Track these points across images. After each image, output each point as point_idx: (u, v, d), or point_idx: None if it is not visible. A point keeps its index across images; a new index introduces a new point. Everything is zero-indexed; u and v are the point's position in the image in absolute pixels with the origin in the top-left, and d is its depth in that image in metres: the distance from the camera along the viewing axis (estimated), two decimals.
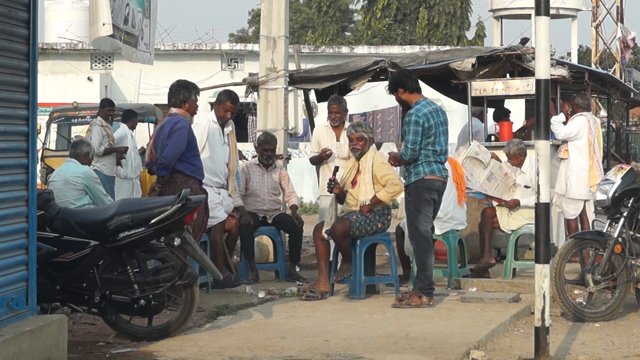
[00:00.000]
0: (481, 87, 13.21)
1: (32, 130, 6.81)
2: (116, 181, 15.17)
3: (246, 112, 11.24)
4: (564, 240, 11.66)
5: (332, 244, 10.08)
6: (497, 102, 15.62)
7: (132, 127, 15.63)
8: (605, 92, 17.32)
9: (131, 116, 15.76)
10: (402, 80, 9.64)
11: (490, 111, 15.40)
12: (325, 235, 9.99)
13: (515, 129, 14.68)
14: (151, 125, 19.57)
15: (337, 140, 11.36)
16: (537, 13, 7.14)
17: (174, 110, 9.19)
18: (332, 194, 10.09)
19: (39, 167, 17.65)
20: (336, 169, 10.19)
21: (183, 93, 9.17)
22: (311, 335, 7.93)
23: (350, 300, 9.80)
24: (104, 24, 7.86)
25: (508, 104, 15.78)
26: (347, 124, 11.19)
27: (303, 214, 22.50)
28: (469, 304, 9.56)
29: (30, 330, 6.36)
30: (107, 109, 15.30)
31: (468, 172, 11.51)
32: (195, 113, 9.51)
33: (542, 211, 7.11)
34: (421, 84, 14.91)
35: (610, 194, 9.22)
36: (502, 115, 14.98)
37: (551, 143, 10.03)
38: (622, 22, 33.92)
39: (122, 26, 8.42)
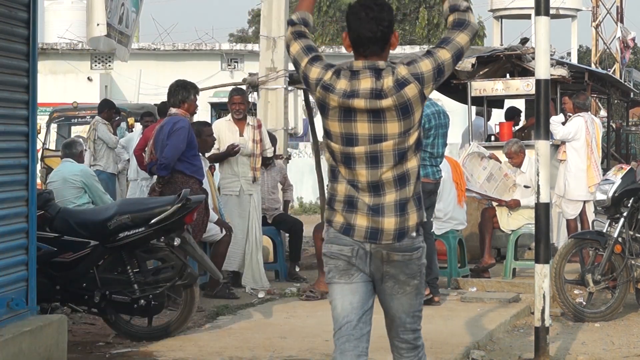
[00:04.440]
0: (481, 87, 13.22)
1: (32, 130, 6.81)
2: (122, 182, 15.21)
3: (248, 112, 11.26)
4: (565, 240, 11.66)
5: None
6: (500, 102, 15.64)
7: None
8: (605, 92, 17.34)
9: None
10: None
11: (492, 111, 15.43)
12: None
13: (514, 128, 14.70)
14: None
15: (241, 135, 10.64)
16: (537, 13, 7.14)
17: (173, 110, 9.18)
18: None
19: (38, 167, 17.66)
20: None
21: (182, 93, 9.16)
22: (311, 335, 7.93)
23: None
24: (98, 24, 7.87)
25: (508, 104, 15.80)
26: (250, 118, 10.75)
27: (303, 214, 22.50)
28: (469, 304, 9.56)
29: (30, 330, 6.36)
30: (111, 111, 15.30)
31: (468, 172, 11.51)
32: (195, 113, 9.49)
33: (542, 211, 7.11)
34: None
35: (610, 194, 9.22)
36: (514, 115, 15.00)
37: (551, 143, 10.04)
38: (622, 22, 33.94)
39: (117, 26, 8.42)
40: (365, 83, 4.48)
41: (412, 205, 4.53)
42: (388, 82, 4.47)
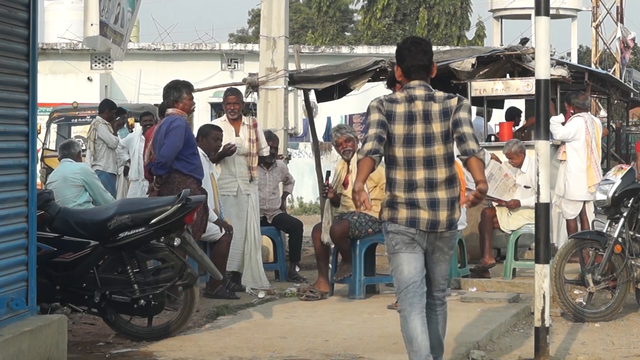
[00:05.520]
0: (481, 87, 13.20)
1: (32, 130, 6.81)
2: (123, 183, 15.20)
3: (246, 112, 11.20)
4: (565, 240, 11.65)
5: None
6: (500, 103, 15.62)
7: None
8: (605, 92, 17.33)
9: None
10: (399, 82, 9.49)
11: (493, 111, 15.40)
12: (325, 240, 9.95)
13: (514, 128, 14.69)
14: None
15: (237, 135, 10.59)
16: (537, 13, 7.14)
17: (169, 110, 9.22)
18: (327, 199, 10.05)
19: (38, 167, 17.66)
20: (328, 173, 10.12)
21: (173, 94, 9.19)
22: (311, 335, 7.94)
23: (350, 300, 9.80)
24: (91, 24, 7.90)
25: (508, 104, 15.79)
26: (245, 118, 10.71)
27: (303, 214, 22.50)
28: (469, 304, 9.55)
29: (30, 331, 6.36)
30: (112, 111, 15.33)
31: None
32: (192, 111, 9.44)
33: (542, 211, 7.11)
34: None
35: (610, 194, 9.21)
36: (514, 115, 15.00)
37: (551, 143, 10.03)
38: (622, 22, 33.91)
39: (113, 25, 8.43)
40: (420, 92, 6.04)
41: (457, 203, 6.04)
42: (440, 94, 6.06)
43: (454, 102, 6.00)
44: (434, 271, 6.11)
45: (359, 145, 9.90)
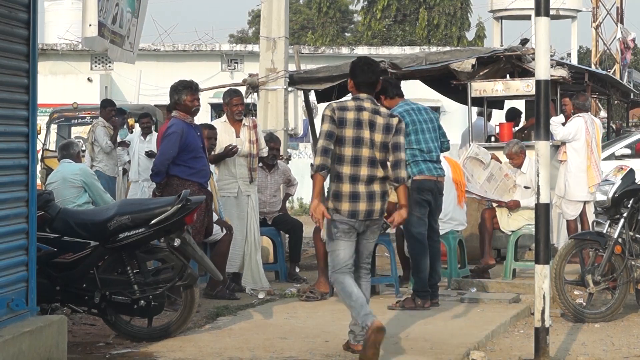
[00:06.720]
0: (481, 87, 13.20)
1: (32, 131, 6.81)
2: (122, 184, 15.18)
3: (246, 112, 11.17)
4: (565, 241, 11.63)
5: None
6: (500, 103, 15.61)
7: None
8: (605, 93, 17.34)
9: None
10: (383, 87, 9.13)
11: (493, 112, 15.36)
12: (324, 239, 9.95)
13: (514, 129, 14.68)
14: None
15: (237, 136, 10.51)
16: (537, 14, 7.15)
17: (173, 113, 9.24)
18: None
19: (38, 167, 17.65)
20: None
21: (173, 97, 9.18)
22: (311, 336, 7.94)
23: None
24: (90, 25, 7.91)
25: (508, 105, 15.79)
26: (245, 119, 10.61)
27: (303, 214, 22.49)
28: (469, 304, 9.56)
29: (30, 331, 6.36)
30: (109, 110, 15.33)
31: (468, 173, 11.50)
32: (195, 110, 9.31)
33: (542, 212, 7.11)
34: (421, 84, 14.99)
35: (610, 195, 9.22)
36: (515, 116, 15.01)
37: (551, 144, 10.03)
38: (622, 22, 33.94)
39: (110, 25, 8.43)
40: (368, 105, 7.25)
41: (386, 195, 7.22)
42: (384, 110, 7.36)
43: (395, 120, 7.24)
44: (362, 249, 7.27)
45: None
